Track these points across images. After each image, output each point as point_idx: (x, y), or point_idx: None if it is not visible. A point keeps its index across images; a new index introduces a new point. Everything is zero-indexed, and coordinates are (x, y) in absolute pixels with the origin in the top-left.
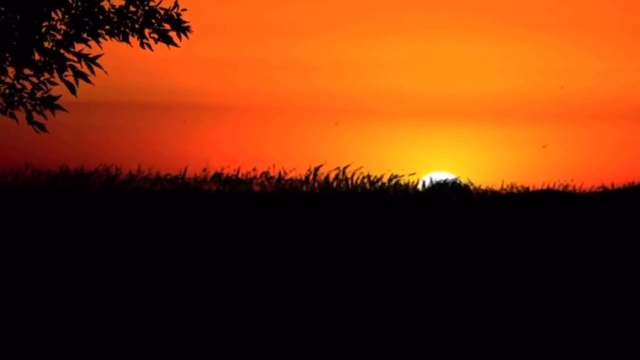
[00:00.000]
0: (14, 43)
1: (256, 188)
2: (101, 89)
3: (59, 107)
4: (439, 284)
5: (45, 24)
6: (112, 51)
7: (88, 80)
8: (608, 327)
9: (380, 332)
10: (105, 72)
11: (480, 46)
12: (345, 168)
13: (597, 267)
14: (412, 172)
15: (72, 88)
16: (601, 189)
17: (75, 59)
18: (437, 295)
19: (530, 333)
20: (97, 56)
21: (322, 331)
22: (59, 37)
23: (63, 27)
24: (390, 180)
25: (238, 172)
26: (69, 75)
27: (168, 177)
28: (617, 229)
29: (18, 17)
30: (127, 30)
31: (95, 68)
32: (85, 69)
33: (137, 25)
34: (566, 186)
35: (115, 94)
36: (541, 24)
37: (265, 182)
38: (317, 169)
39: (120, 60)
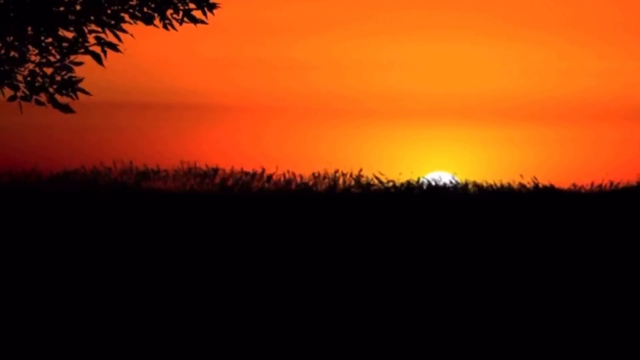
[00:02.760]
0: (35, 21)
1: (257, 187)
2: (101, 89)
3: (82, 90)
4: (439, 283)
5: (62, 9)
6: (112, 51)
7: (117, 49)
8: (608, 326)
9: (381, 331)
10: (132, 35)
11: (480, 46)
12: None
13: (597, 267)
14: (412, 172)
15: (98, 58)
16: (601, 189)
17: (100, 29)
18: (437, 295)
19: (530, 332)
20: (121, 20)
21: (323, 330)
22: (78, 9)
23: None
24: (387, 180)
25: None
26: (94, 45)
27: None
28: (617, 229)
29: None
30: (150, 11)
31: (122, 37)
32: (112, 38)
33: (161, 4)
34: (567, 186)
35: (115, 94)
36: (541, 24)
37: (267, 183)
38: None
39: (121, 61)
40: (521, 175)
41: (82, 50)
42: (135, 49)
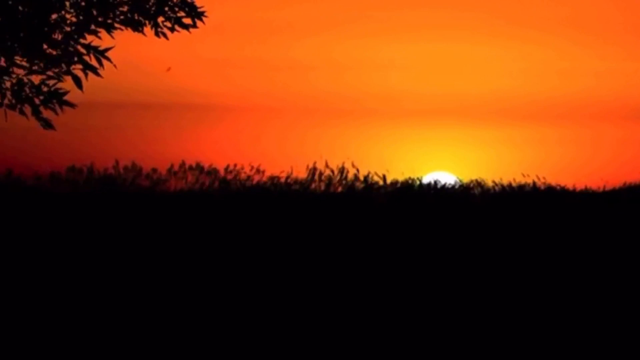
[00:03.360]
0: (22, 35)
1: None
2: (101, 89)
3: (67, 103)
4: (439, 284)
5: (55, 15)
6: (112, 50)
7: (97, 74)
8: (607, 326)
9: (381, 331)
10: (115, 65)
11: (480, 46)
12: (343, 167)
13: (597, 267)
14: (412, 172)
15: (78, 82)
16: (601, 189)
17: (85, 51)
18: (437, 295)
19: (529, 332)
20: (108, 49)
21: (323, 331)
22: (67, 29)
23: (73, 18)
24: (389, 179)
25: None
26: (77, 69)
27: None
28: (616, 229)
29: (26, 9)
30: (141, 19)
31: (105, 62)
32: (94, 62)
33: (151, 12)
34: (566, 186)
35: (115, 94)
36: (541, 24)
37: (266, 182)
38: (315, 170)
39: (120, 61)
40: (523, 174)
41: (65, 68)
42: (134, 50)
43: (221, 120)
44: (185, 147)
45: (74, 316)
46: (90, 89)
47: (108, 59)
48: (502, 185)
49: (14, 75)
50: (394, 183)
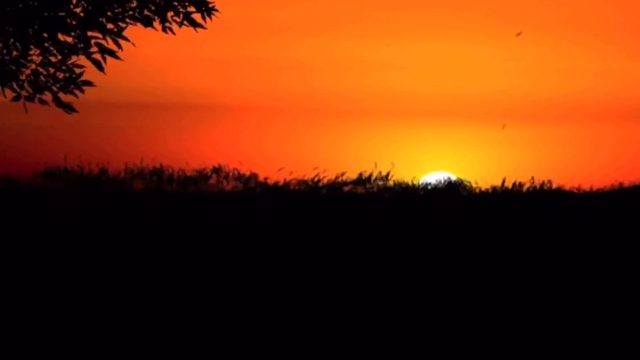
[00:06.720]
0: (36, 26)
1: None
2: (101, 89)
3: (87, 83)
4: (438, 284)
5: (62, 13)
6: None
7: (116, 56)
8: (608, 326)
9: (380, 331)
10: (133, 44)
11: (480, 46)
12: (343, 174)
13: (597, 267)
14: (412, 172)
15: (99, 65)
16: (600, 189)
17: (100, 35)
18: (436, 295)
19: (530, 333)
20: (123, 28)
21: (322, 331)
22: (81, 15)
23: (81, 14)
24: (389, 180)
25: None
26: (95, 52)
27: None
28: (616, 228)
29: (36, 3)
30: (150, 14)
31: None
32: (111, 45)
33: (160, 6)
34: (566, 186)
35: (115, 94)
36: (541, 24)
37: (267, 182)
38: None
39: (120, 61)
40: (520, 183)
41: (83, 55)
42: (135, 49)
43: (221, 120)
44: (185, 147)
45: (73, 316)
46: (90, 89)
47: (126, 38)
48: (504, 187)
49: (28, 67)
50: (395, 183)
